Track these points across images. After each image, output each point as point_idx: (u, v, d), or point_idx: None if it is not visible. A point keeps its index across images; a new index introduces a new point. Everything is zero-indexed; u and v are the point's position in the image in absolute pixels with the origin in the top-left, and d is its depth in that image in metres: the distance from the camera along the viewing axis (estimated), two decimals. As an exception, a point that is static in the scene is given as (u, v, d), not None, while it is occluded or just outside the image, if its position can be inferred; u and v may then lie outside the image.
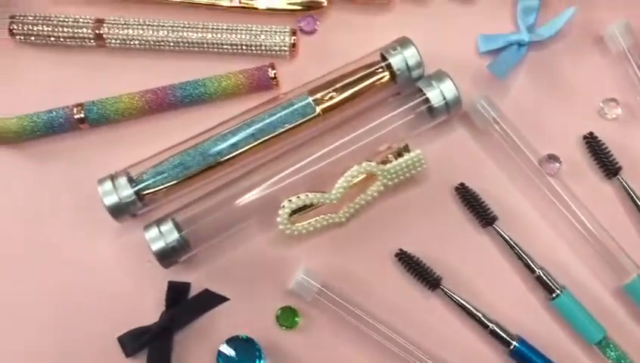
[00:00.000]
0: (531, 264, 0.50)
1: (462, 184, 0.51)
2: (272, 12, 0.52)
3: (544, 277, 0.49)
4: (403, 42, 0.50)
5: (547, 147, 0.51)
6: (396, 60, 0.50)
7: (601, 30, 0.53)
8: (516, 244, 0.50)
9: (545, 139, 0.52)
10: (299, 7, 0.52)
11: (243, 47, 0.51)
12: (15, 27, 0.50)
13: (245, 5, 0.52)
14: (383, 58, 0.51)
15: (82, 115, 0.49)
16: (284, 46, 0.51)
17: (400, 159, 0.49)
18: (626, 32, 0.52)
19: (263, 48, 0.51)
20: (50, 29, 0.50)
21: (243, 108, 0.51)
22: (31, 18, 0.50)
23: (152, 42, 0.51)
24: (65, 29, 0.50)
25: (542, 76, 0.54)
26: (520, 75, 0.54)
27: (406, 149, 0.50)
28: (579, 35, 0.54)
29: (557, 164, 0.51)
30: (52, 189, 0.51)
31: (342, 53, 0.53)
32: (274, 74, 0.51)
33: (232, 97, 0.51)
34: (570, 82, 0.54)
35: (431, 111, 0.50)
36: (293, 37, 0.52)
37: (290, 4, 0.52)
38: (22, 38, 0.50)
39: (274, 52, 0.52)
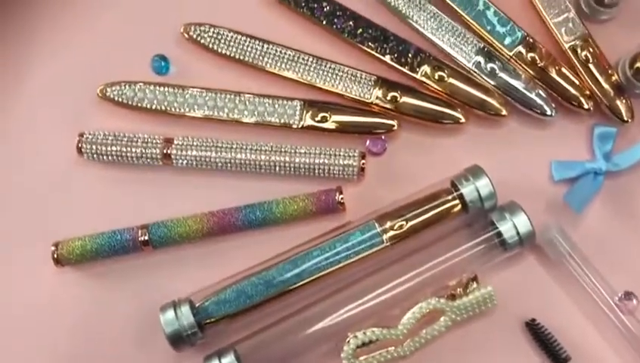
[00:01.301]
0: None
1: (533, 320, 0.49)
2: (342, 133, 0.52)
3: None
4: (475, 172, 0.49)
5: (624, 282, 0.49)
6: (467, 191, 0.48)
7: (681, 161, 0.52)
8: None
9: (622, 274, 0.50)
10: (369, 129, 0.52)
11: (311, 169, 0.50)
12: (84, 146, 0.50)
13: (315, 126, 0.51)
14: (454, 186, 0.50)
15: (147, 237, 0.48)
16: (353, 170, 0.50)
17: (470, 296, 0.47)
18: None
19: (331, 171, 0.50)
20: (118, 148, 0.50)
21: (309, 232, 0.50)
22: (100, 137, 0.50)
23: (219, 163, 0.50)
24: (134, 149, 0.50)
25: (619, 205, 0.52)
26: (595, 203, 0.52)
27: (475, 279, 0.48)
28: (659, 164, 0.52)
29: (635, 302, 0.49)
30: (112, 311, 0.50)
31: (411, 176, 0.52)
32: (342, 199, 0.50)
33: (298, 221, 0.50)
34: (648, 214, 0.52)
35: (503, 244, 0.48)
36: (362, 161, 0.50)
37: (359, 126, 0.52)
38: (90, 156, 0.50)
39: (342, 176, 0.51)
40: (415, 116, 0.52)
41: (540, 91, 0.52)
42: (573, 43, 0.52)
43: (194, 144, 0.50)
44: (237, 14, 0.54)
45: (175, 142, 0.50)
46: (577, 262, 0.49)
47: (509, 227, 0.48)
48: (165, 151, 0.50)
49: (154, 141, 0.50)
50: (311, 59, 0.52)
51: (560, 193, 0.52)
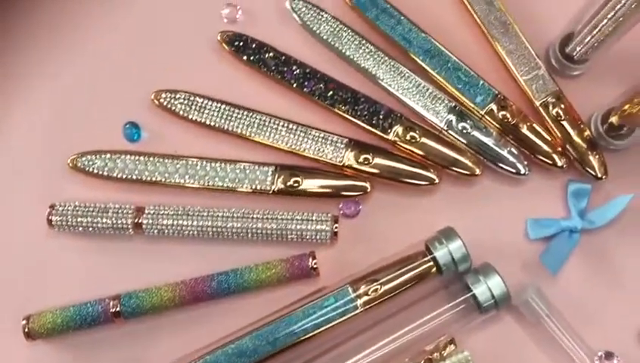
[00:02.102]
0: None
1: (512, 383, 0.48)
2: (315, 197, 0.52)
3: None
4: (448, 234, 0.48)
5: (603, 341, 0.48)
6: (441, 254, 0.48)
7: (658, 214, 0.51)
8: None
9: (601, 332, 0.49)
10: (342, 192, 0.52)
11: (284, 235, 0.50)
12: (54, 218, 0.50)
13: (287, 191, 0.51)
14: (428, 249, 0.49)
15: (118, 308, 0.48)
16: (326, 235, 0.50)
17: (447, 362, 0.47)
18: (686, 222, 0.50)
19: (304, 235, 0.50)
20: (89, 219, 0.49)
21: (284, 298, 0.49)
22: (71, 209, 0.50)
23: (191, 231, 0.50)
24: (105, 220, 0.49)
25: (595, 262, 0.51)
26: (571, 261, 0.51)
27: (452, 342, 0.48)
28: (634, 219, 0.52)
29: (615, 362, 0.48)
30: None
31: (386, 237, 0.52)
32: (315, 264, 0.49)
33: (272, 287, 0.50)
34: (627, 271, 0.51)
35: (479, 307, 0.48)
36: (335, 225, 0.50)
37: (332, 190, 0.51)
38: (61, 228, 0.50)
39: (315, 240, 0.50)
40: (388, 178, 0.52)
41: (513, 149, 0.52)
42: (544, 100, 0.52)
43: (166, 212, 0.50)
44: (207, 79, 0.54)
45: (147, 211, 0.50)
46: (555, 323, 0.49)
47: (483, 290, 0.47)
48: (136, 221, 0.50)
49: (125, 211, 0.50)
50: (282, 123, 0.52)
51: (536, 251, 0.51)
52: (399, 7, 0.54)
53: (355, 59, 0.53)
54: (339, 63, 0.54)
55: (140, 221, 0.50)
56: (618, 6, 0.45)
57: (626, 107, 0.50)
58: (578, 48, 0.51)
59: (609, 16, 0.47)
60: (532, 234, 0.52)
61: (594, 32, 0.49)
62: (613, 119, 0.51)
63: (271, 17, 0.55)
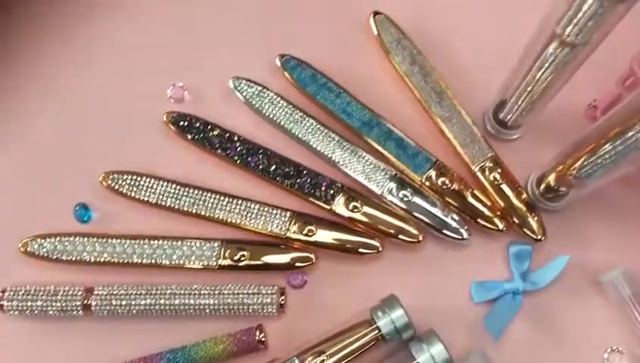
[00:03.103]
0: None
1: None
2: (261, 269, 0.52)
3: None
4: (390, 303, 0.49)
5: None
6: (384, 323, 0.48)
7: (598, 274, 0.52)
8: None
9: (548, 392, 0.50)
10: (288, 265, 0.52)
11: (232, 309, 0.51)
12: (5, 303, 0.50)
13: (234, 265, 0.52)
14: (373, 317, 0.50)
15: (68, 392, 0.49)
16: (272, 307, 0.51)
17: None
18: (625, 280, 0.51)
19: (251, 309, 0.51)
20: (40, 303, 0.50)
21: (232, 373, 0.50)
22: (22, 293, 0.50)
23: (140, 309, 0.50)
24: (55, 303, 0.50)
25: (540, 322, 0.52)
26: (516, 322, 0.52)
27: (400, 408, 0.49)
28: (576, 279, 0.52)
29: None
30: None
31: (333, 306, 0.52)
32: (263, 337, 0.50)
33: (221, 362, 0.51)
34: (570, 330, 0.52)
35: (425, 374, 0.48)
36: (282, 297, 0.51)
37: (278, 262, 0.52)
38: (12, 312, 0.51)
39: (262, 313, 0.51)
40: (333, 248, 0.53)
41: (454, 215, 0.53)
42: (481, 165, 0.54)
43: (115, 292, 0.51)
44: (155, 158, 0.55)
45: (96, 292, 0.51)
46: (501, 386, 0.50)
47: (427, 358, 0.48)
48: (85, 302, 0.51)
49: (75, 293, 0.51)
50: (227, 199, 0.53)
51: (482, 314, 0.52)
52: (339, 81, 0.56)
53: (296, 133, 0.55)
54: (282, 138, 0.55)
55: (89, 302, 0.51)
56: (539, 73, 0.46)
57: (560, 168, 0.51)
58: (509, 115, 0.52)
59: (534, 82, 0.48)
60: (477, 298, 0.52)
61: (522, 99, 0.50)
62: (549, 181, 0.52)
63: (216, 95, 0.57)
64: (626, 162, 0.44)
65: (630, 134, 0.42)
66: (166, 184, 0.54)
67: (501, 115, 0.53)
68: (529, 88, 0.49)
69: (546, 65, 0.42)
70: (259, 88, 0.56)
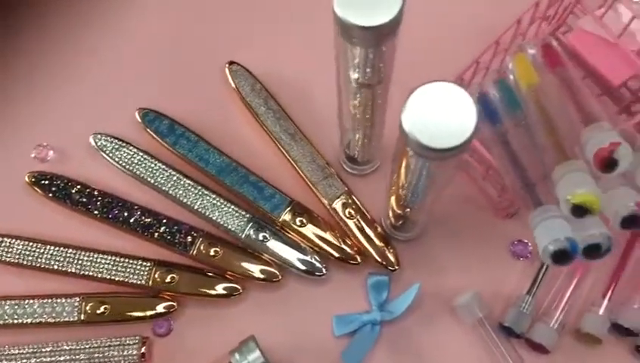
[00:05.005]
0: None
1: None
2: (125, 321, 0.53)
3: None
4: (247, 345, 0.50)
5: None
6: (241, 367, 0.50)
7: (453, 299, 0.53)
8: None
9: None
10: (151, 313, 0.53)
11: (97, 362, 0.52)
12: None
13: (97, 320, 0.53)
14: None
15: None
16: (133, 358, 0.51)
17: None
18: (476, 303, 0.53)
19: (114, 361, 0.51)
20: None
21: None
22: None
23: (2, 371, 0.51)
24: None
25: (400, 350, 0.53)
26: (377, 351, 0.53)
27: None
28: (433, 305, 0.54)
29: None
30: None
31: (199, 351, 0.53)
32: (126, 388, 0.51)
33: (85, 416, 0.51)
34: (427, 354, 0.53)
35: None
36: (143, 347, 0.52)
37: (142, 312, 0.53)
38: None
39: (125, 364, 0.52)
40: (195, 294, 0.54)
41: (311, 252, 0.54)
42: (336, 201, 0.55)
43: (-25, 356, 0.51)
44: (19, 218, 0.56)
45: (-44, 357, 0.51)
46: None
47: (284, 395, 0.49)
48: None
49: None
50: (88, 253, 0.54)
51: (344, 347, 0.53)
52: (199, 129, 0.58)
53: (156, 184, 0.56)
54: (143, 189, 0.57)
55: (-50, 367, 0.51)
56: (355, 111, 0.47)
57: (393, 195, 0.52)
58: (355, 151, 0.54)
59: (357, 120, 0.49)
60: (338, 331, 0.54)
61: (356, 135, 0.52)
62: (393, 208, 0.53)
63: (79, 151, 0.58)
64: (434, 173, 0.43)
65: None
66: (27, 242, 0.54)
67: (347, 151, 0.55)
68: (356, 126, 0.51)
69: (357, 103, 0.44)
70: (119, 142, 0.57)
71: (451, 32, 0.59)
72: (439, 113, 0.35)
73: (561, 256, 0.36)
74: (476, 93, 0.48)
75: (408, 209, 0.49)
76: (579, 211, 0.35)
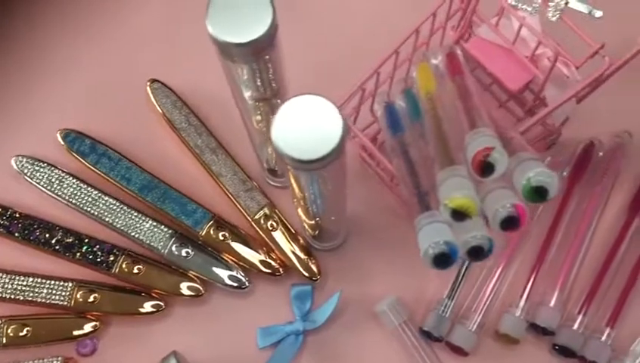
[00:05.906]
0: None
1: None
2: (47, 343, 0.53)
3: None
4: (168, 362, 0.50)
5: None
6: (163, 382, 0.50)
7: (375, 305, 0.54)
8: None
9: None
10: (74, 333, 0.53)
11: (17, 385, 0.52)
12: None
13: (18, 342, 0.52)
14: (160, 376, 0.51)
15: None
16: (56, 379, 0.52)
17: None
18: (396, 308, 0.53)
19: (36, 383, 0.52)
20: None
21: None
22: None
23: None
24: None
25: (324, 359, 0.54)
26: (301, 361, 0.54)
27: None
28: (356, 312, 0.55)
29: None
30: None
31: (123, 369, 0.54)
32: (48, 410, 0.51)
33: None
34: (351, 361, 0.54)
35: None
36: (65, 368, 0.52)
37: (63, 332, 0.53)
38: None
39: (48, 386, 0.52)
40: (118, 312, 0.54)
41: (233, 265, 0.55)
42: (258, 214, 0.56)
43: None
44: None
45: None
46: None
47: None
48: None
49: None
50: (10, 276, 0.54)
51: (268, 358, 0.54)
52: (122, 148, 0.58)
53: (78, 203, 0.56)
54: (66, 209, 0.57)
55: None
56: (258, 125, 0.48)
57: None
58: (272, 162, 0.55)
59: (262, 133, 0.49)
60: (261, 343, 0.54)
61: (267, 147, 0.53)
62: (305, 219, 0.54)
63: (1, 175, 0.58)
64: (320, 182, 0.42)
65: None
66: (-55, 269, 0.54)
67: (266, 164, 0.56)
68: (264, 140, 0.51)
69: (259, 118, 0.45)
70: (40, 164, 0.57)
71: (354, 42, 0.60)
72: (307, 126, 0.36)
73: (442, 259, 0.37)
74: (382, 103, 0.49)
75: (318, 219, 0.49)
76: (458, 215, 0.36)
